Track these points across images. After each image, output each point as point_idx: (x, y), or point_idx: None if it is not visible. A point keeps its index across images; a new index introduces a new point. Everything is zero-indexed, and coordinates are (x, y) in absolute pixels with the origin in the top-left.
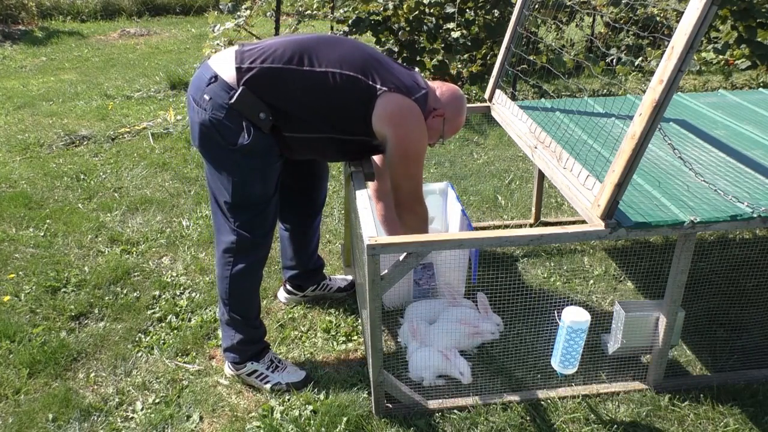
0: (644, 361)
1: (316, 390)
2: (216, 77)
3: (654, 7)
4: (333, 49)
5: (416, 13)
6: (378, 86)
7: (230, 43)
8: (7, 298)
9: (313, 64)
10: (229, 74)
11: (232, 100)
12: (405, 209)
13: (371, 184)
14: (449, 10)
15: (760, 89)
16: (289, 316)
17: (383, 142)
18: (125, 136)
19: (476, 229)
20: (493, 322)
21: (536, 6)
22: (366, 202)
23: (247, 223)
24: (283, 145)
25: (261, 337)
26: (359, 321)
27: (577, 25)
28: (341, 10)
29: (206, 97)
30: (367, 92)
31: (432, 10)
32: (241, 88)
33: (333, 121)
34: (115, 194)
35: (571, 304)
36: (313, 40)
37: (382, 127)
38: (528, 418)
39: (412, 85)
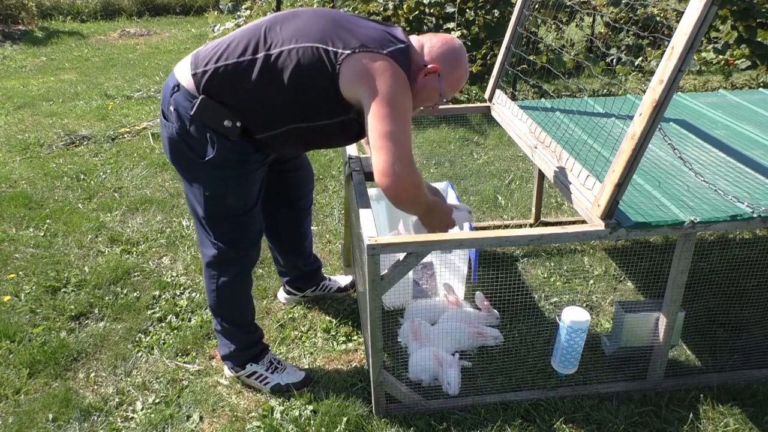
0: (644, 361)
1: (316, 390)
2: (178, 86)
3: (654, 7)
4: (288, 25)
5: (416, 13)
6: (340, 50)
7: None
8: (7, 298)
9: (268, 47)
10: (188, 82)
11: (193, 111)
12: (395, 182)
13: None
14: (449, 10)
15: (760, 89)
16: (289, 316)
17: (360, 108)
18: (125, 136)
19: (476, 229)
20: (494, 315)
21: (536, 6)
22: (366, 202)
23: (226, 235)
24: (262, 147)
25: (258, 341)
26: (359, 321)
27: (577, 25)
28: (341, 10)
29: (171, 108)
30: (329, 60)
31: (432, 10)
32: (200, 97)
33: (301, 107)
34: (115, 194)
35: (571, 304)
36: (267, 21)
37: (352, 90)
38: (528, 418)
39: (384, 38)
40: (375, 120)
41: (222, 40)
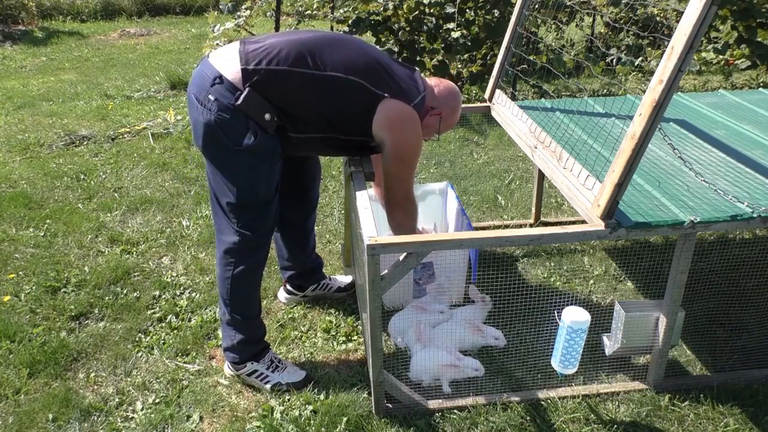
0: (644, 361)
1: (316, 390)
2: (221, 77)
3: (654, 7)
4: (336, 51)
5: (416, 13)
6: (380, 93)
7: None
8: (7, 298)
9: (318, 66)
10: (234, 75)
11: (239, 102)
12: (396, 207)
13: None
14: (449, 10)
15: (760, 89)
16: (289, 316)
17: (380, 144)
18: (125, 136)
19: (476, 229)
20: (487, 301)
21: (536, 6)
22: (366, 202)
23: (249, 223)
24: (287, 144)
25: (261, 337)
26: (359, 321)
27: (577, 25)
28: (341, 10)
29: (211, 97)
30: (371, 98)
31: (432, 10)
32: (247, 89)
33: (336, 123)
34: (115, 194)
35: (571, 304)
36: (316, 41)
37: (381, 131)
38: (528, 418)
39: (411, 89)
40: (391, 164)
41: (268, 44)
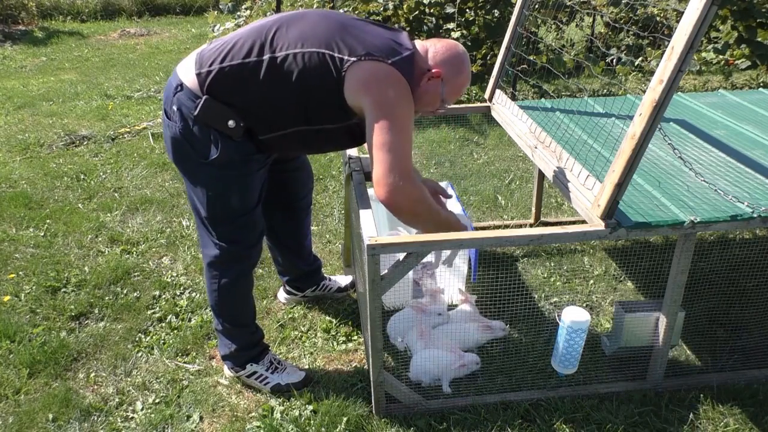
0: (644, 361)
1: (316, 390)
2: (181, 85)
3: (654, 7)
4: (294, 27)
5: (416, 13)
6: (346, 57)
7: None
8: (7, 298)
9: (274, 50)
10: (191, 81)
11: (197, 112)
12: (391, 192)
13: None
14: (449, 10)
15: (760, 89)
16: (289, 316)
17: (363, 116)
18: (125, 136)
19: (476, 229)
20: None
21: (536, 6)
22: (366, 202)
23: (227, 235)
24: (264, 148)
25: (258, 341)
26: (359, 321)
27: (577, 25)
28: (341, 10)
29: (175, 108)
30: (335, 68)
31: (432, 10)
32: (204, 97)
33: (305, 110)
34: (115, 194)
35: (571, 304)
36: (273, 22)
37: (356, 98)
38: (528, 418)
39: (390, 47)
40: (374, 130)
41: (226, 39)
